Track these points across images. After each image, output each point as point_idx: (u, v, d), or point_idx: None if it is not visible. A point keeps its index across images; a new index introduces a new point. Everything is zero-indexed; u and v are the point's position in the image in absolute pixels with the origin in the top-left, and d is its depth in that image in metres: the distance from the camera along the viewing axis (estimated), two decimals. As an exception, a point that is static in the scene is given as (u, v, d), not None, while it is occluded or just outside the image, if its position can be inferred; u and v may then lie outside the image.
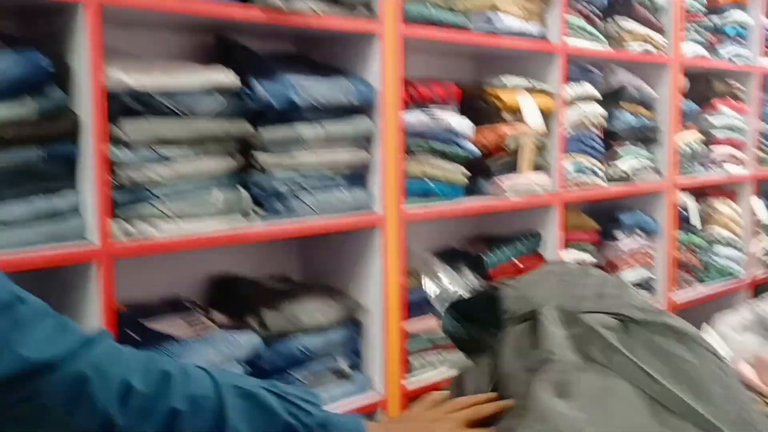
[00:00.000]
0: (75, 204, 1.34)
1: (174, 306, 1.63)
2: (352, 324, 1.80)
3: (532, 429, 0.69)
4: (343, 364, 1.78)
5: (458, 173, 2.00)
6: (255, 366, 1.59)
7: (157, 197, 1.41)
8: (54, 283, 1.37)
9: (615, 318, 0.83)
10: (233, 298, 1.71)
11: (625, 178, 2.55)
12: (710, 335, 1.30)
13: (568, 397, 0.74)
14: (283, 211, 1.62)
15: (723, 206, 3.03)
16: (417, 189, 1.90)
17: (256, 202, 1.60)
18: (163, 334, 1.47)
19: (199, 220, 1.48)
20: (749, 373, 1.55)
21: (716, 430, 0.73)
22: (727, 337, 1.78)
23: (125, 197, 1.39)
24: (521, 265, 2.17)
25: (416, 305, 1.92)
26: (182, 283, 1.76)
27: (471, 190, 2.08)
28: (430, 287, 1.97)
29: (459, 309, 1.02)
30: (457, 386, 0.92)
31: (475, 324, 0.99)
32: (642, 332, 0.81)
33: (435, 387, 1.71)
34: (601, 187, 2.44)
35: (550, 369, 0.77)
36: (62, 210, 1.32)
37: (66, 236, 1.32)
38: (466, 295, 1.04)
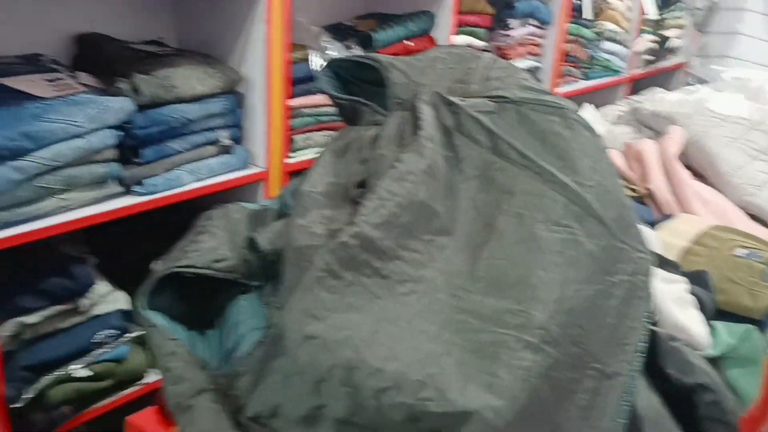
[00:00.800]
0: None
1: (33, 63, 1.48)
2: (233, 96, 1.72)
3: (389, 186, 0.69)
4: (223, 137, 1.72)
5: (352, -61, 1.85)
6: (128, 133, 1.50)
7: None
8: None
9: (492, 100, 0.82)
10: (100, 60, 1.57)
11: (524, -39, 2.46)
12: (588, 112, 1.33)
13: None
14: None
15: (616, 0, 3.02)
16: (306, -47, 1.75)
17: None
18: (21, 92, 1.35)
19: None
20: (619, 161, 1.63)
21: (578, 197, 0.75)
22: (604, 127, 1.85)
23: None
24: (412, 45, 2.11)
25: (301, 80, 1.85)
26: (42, 42, 1.60)
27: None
28: (317, 62, 1.90)
29: (339, 72, 0.97)
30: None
31: (355, 92, 0.96)
32: (517, 110, 0.81)
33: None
34: (500, -30, 2.35)
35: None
36: None
37: None
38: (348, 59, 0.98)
